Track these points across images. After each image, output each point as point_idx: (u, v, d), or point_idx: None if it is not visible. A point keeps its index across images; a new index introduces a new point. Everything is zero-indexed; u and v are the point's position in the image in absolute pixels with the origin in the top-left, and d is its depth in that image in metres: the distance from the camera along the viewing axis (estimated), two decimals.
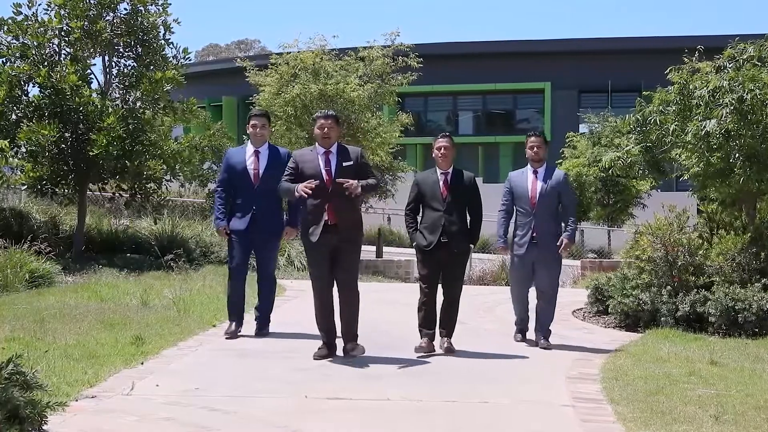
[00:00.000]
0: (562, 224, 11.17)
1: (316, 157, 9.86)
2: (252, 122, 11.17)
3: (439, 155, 10.61)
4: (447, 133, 10.94)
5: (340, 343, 10.17)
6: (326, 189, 9.68)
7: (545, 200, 11.04)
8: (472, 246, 10.91)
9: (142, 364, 9.47)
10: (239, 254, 11.15)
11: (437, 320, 10.58)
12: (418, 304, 10.58)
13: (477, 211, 10.69)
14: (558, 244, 11.00)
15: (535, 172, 11.18)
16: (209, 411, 7.67)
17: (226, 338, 11.00)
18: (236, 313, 11.26)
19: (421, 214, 10.68)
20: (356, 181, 9.56)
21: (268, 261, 11.32)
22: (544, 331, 11.30)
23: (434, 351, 10.37)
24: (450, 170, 10.63)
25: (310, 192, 9.40)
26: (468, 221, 10.67)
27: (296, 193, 9.49)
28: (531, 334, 11.64)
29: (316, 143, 10.02)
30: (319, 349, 10.01)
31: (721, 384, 9.12)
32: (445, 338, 10.56)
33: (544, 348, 11.05)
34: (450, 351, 10.40)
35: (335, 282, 10.00)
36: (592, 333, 12.93)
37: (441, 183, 10.53)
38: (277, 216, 11.19)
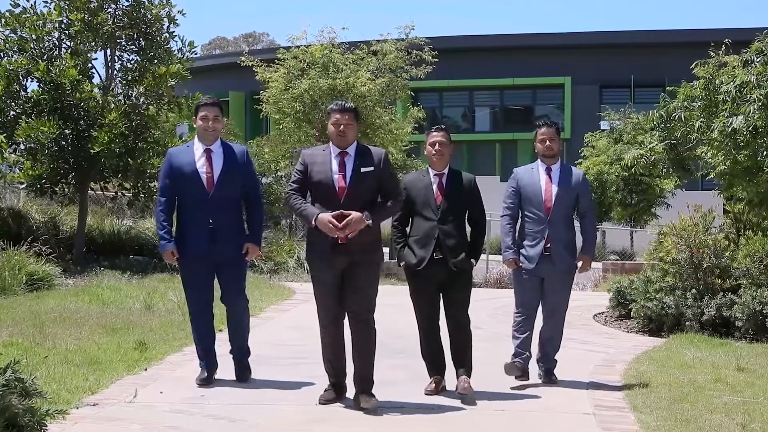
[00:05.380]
0: (577, 233, 9.66)
1: (329, 159, 8.29)
2: (201, 113, 9.09)
3: (433, 152, 9.01)
4: (442, 126, 9.31)
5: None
6: (338, 199, 8.14)
7: (562, 205, 9.45)
8: (474, 263, 9.09)
9: (146, 370, 9.50)
10: (200, 286, 9.20)
11: (444, 359, 9.08)
12: (420, 343, 9.15)
13: (479, 221, 9.18)
14: (576, 262, 9.56)
15: (549, 170, 9.51)
16: (215, 419, 7.68)
17: (198, 386, 8.98)
18: (207, 359, 9.28)
19: (410, 226, 9.12)
20: (362, 213, 8.03)
21: (236, 289, 9.25)
22: (549, 362, 9.69)
23: (444, 387, 8.96)
24: (446, 171, 9.05)
25: (334, 230, 7.97)
26: (468, 233, 9.13)
27: (313, 223, 8.08)
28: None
29: (330, 142, 8.46)
30: (325, 391, 8.46)
31: (748, 391, 9.09)
32: (463, 377, 8.81)
33: (548, 383, 9.49)
34: (467, 396, 8.62)
35: (347, 314, 8.41)
36: (614, 338, 12.91)
37: (435, 186, 8.97)
38: (241, 230, 9.23)
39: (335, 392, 8.42)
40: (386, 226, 9.12)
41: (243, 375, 9.24)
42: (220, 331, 9.86)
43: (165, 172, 9.17)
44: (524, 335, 9.57)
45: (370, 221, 8.09)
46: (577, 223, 9.66)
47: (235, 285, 9.22)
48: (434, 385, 8.92)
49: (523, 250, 9.49)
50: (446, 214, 8.89)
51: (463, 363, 8.90)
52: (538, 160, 9.64)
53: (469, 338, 9.00)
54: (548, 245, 9.36)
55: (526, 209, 9.50)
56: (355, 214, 7.98)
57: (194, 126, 9.31)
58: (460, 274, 8.91)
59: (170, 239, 9.06)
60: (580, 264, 9.61)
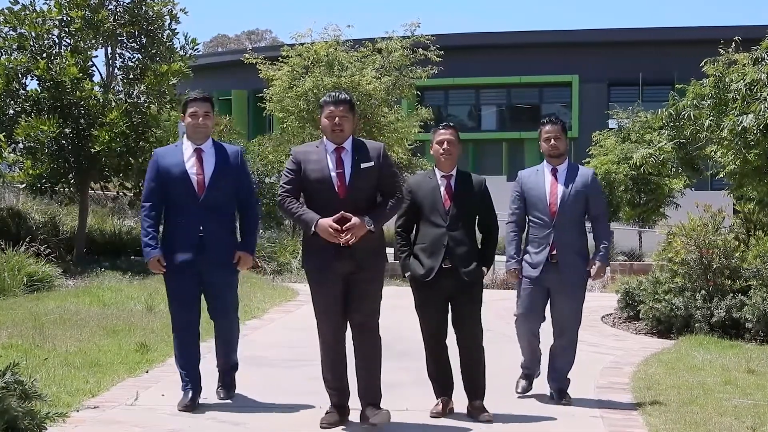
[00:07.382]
0: (591, 238, 9.02)
1: (324, 156, 7.72)
2: (190, 109, 8.37)
3: (441, 152, 8.36)
4: (450, 123, 8.62)
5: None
6: (337, 198, 7.61)
7: (569, 207, 8.77)
8: (485, 272, 8.48)
9: (147, 372, 9.51)
10: (187, 300, 8.36)
11: (452, 379, 8.45)
12: (426, 362, 8.48)
13: (490, 227, 8.54)
14: (588, 268, 8.80)
15: (555, 171, 8.87)
16: (217, 422, 7.70)
17: (180, 410, 8.15)
18: (191, 381, 8.34)
19: (415, 232, 8.49)
20: (361, 219, 7.52)
21: (226, 301, 8.50)
22: (561, 381, 8.95)
23: (452, 409, 8.29)
24: (453, 172, 8.41)
25: (339, 236, 7.47)
26: (479, 240, 8.55)
27: (312, 229, 7.54)
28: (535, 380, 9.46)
29: (324, 137, 7.91)
30: (327, 413, 7.80)
31: (758, 394, 9.09)
32: (476, 401, 8.25)
33: (560, 404, 8.75)
34: (485, 418, 8.08)
35: (349, 324, 7.84)
36: (623, 340, 12.91)
37: (442, 189, 8.34)
38: (233, 238, 8.58)
39: (338, 415, 7.75)
40: (390, 228, 8.94)
41: (229, 392, 8.66)
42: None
43: (151, 175, 8.40)
44: (531, 360, 9.18)
45: (372, 226, 7.55)
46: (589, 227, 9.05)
47: (222, 300, 8.49)
48: (441, 407, 8.21)
49: (527, 257, 8.88)
50: (456, 219, 8.26)
51: (478, 389, 8.32)
52: (545, 160, 9.01)
53: (482, 357, 8.43)
54: (554, 252, 8.72)
55: (531, 214, 8.89)
56: (355, 220, 7.45)
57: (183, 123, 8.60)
58: (472, 285, 8.31)
59: (156, 246, 8.26)
60: (593, 270, 8.79)
